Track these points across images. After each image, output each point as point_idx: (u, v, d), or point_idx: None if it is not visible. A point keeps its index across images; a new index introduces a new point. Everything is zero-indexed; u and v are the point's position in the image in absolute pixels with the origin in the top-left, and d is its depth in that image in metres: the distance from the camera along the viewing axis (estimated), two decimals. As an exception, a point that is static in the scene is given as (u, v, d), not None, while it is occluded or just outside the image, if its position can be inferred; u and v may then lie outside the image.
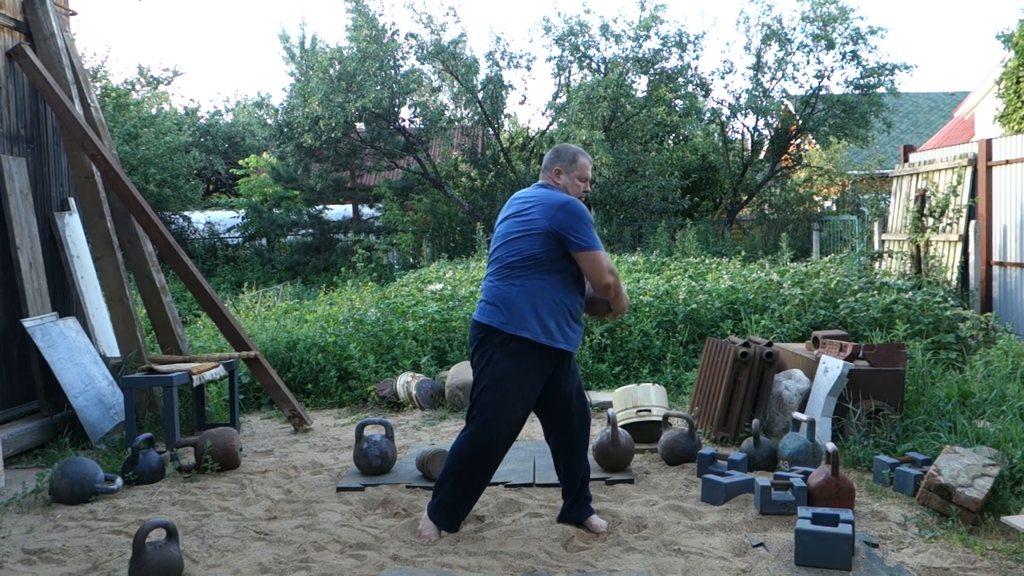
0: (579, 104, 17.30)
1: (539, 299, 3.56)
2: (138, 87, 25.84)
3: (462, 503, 3.77)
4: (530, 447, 5.27)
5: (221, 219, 22.78)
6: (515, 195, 3.84)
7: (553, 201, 3.59)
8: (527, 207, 3.65)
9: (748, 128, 19.44)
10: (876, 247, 10.95)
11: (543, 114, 19.91)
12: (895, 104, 20.20)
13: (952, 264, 8.95)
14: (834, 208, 19.03)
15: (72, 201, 6.48)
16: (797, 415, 4.80)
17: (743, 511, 3.99)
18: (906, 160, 10.57)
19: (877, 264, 10.29)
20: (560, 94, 19.14)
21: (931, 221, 9.15)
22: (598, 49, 18.72)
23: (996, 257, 8.58)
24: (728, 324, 7.45)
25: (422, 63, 19.26)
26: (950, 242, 9.02)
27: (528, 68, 19.31)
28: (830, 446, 3.91)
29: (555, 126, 19.24)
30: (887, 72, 17.90)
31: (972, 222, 8.77)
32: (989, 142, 8.75)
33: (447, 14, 19.84)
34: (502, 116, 20.05)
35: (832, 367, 4.97)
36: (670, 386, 6.90)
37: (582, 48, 18.61)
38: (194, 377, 5.54)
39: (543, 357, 3.60)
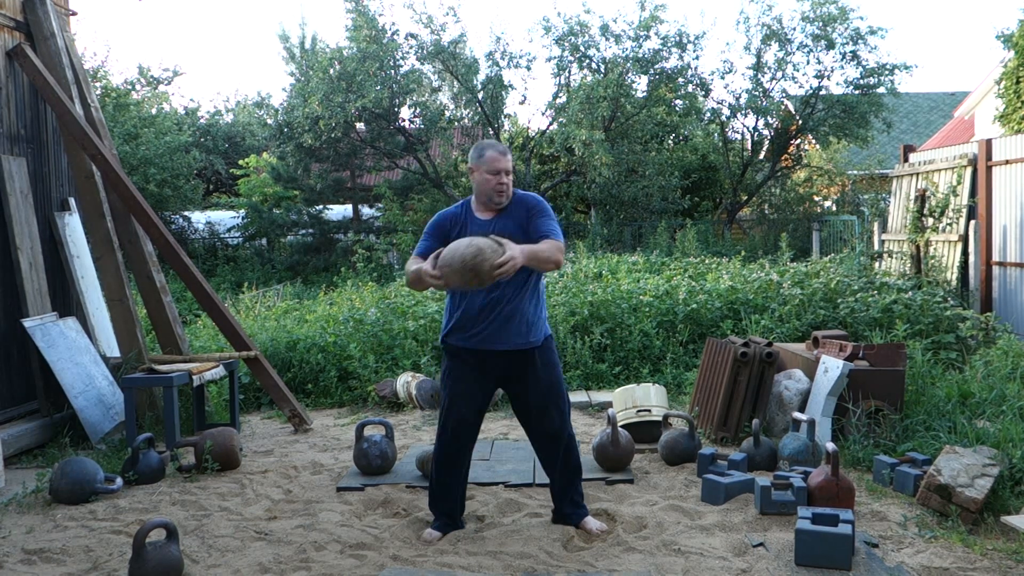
0: (579, 104, 17.30)
1: (448, 302, 3.82)
2: (138, 87, 25.83)
3: (441, 500, 3.85)
4: (530, 447, 5.26)
5: (221, 219, 22.78)
6: None
7: None
8: None
9: (748, 128, 19.44)
10: (876, 247, 10.95)
11: (543, 114, 19.90)
12: (895, 104, 20.18)
13: (952, 264, 8.95)
14: (834, 208, 19.02)
15: (72, 201, 6.48)
16: (797, 415, 4.81)
17: (743, 511, 3.99)
18: (906, 160, 10.57)
19: (877, 264, 10.29)
20: (560, 94, 19.13)
21: (931, 221, 9.15)
22: (598, 49, 18.72)
23: (996, 257, 8.58)
24: (728, 324, 7.45)
25: (422, 63, 19.26)
26: (950, 242, 9.02)
27: (528, 68, 19.31)
28: (830, 446, 3.91)
29: (555, 126, 19.23)
30: (887, 72, 17.90)
31: (972, 222, 8.77)
32: (989, 142, 8.75)
33: (447, 14, 19.82)
34: (502, 116, 20.03)
35: (832, 367, 4.97)
36: (670, 386, 6.90)
37: (582, 48, 18.60)
38: (194, 377, 5.54)
39: (465, 354, 3.74)
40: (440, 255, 3.40)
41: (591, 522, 3.85)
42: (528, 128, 21.45)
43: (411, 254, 3.79)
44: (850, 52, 17.90)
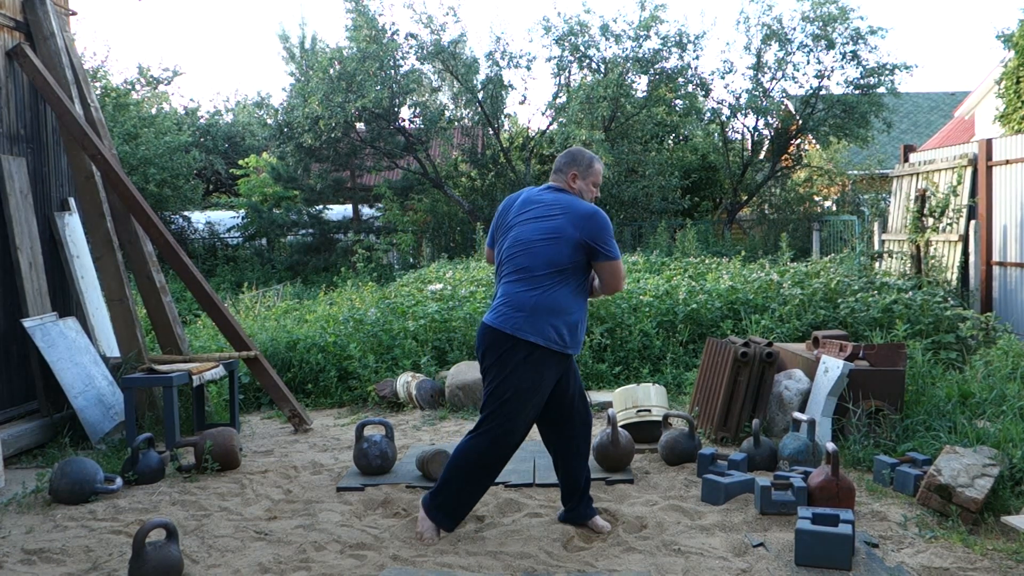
0: (579, 104, 17.30)
1: (559, 308, 3.57)
2: (138, 87, 25.83)
3: (467, 505, 3.80)
4: (530, 447, 5.26)
5: (221, 219, 22.79)
6: (527, 197, 3.76)
7: (582, 210, 3.58)
8: (552, 213, 3.60)
9: (748, 128, 19.44)
10: (876, 247, 10.95)
11: (543, 114, 19.91)
12: (895, 104, 20.18)
13: (952, 264, 8.95)
14: (834, 208, 19.02)
15: (72, 201, 6.48)
16: (797, 415, 4.80)
17: (743, 511, 3.99)
18: (906, 160, 10.57)
19: (877, 264, 10.29)
20: (560, 94, 19.13)
21: (931, 221, 9.15)
22: (598, 49, 18.72)
23: (996, 257, 8.58)
24: (728, 324, 7.45)
25: (422, 63, 19.26)
26: (950, 242, 9.02)
27: (528, 68, 19.31)
28: (830, 446, 3.91)
29: (555, 126, 19.23)
30: (887, 72, 17.90)
31: (972, 222, 8.77)
32: (989, 142, 8.75)
33: (447, 14, 19.84)
34: (502, 116, 20.04)
35: (832, 367, 4.97)
36: (670, 386, 6.90)
37: (582, 48, 18.60)
38: (194, 377, 5.54)
39: (558, 364, 3.66)
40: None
41: (600, 521, 3.87)
42: (528, 128, 21.46)
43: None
44: (850, 52, 17.90)
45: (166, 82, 27.17)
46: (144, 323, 7.16)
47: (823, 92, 18.40)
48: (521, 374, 3.56)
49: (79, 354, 5.77)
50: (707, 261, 11.68)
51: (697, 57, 19.13)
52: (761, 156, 19.79)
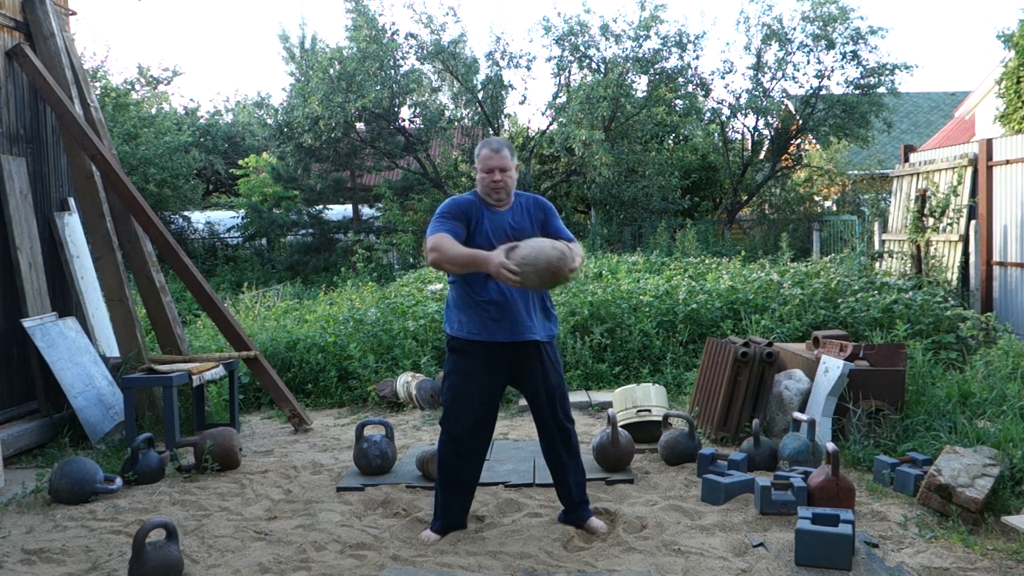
0: (579, 104, 17.30)
1: (458, 296, 3.76)
2: (138, 87, 25.84)
3: (448, 506, 3.82)
4: (530, 447, 5.27)
5: (221, 219, 22.79)
6: None
7: None
8: None
9: (748, 128, 19.44)
10: (876, 247, 10.95)
11: (543, 114, 19.90)
12: (895, 104, 20.18)
13: (952, 264, 8.95)
14: (834, 208, 19.02)
15: (72, 201, 6.48)
16: (797, 415, 4.80)
17: (743, 511, 3.99)
18: (906, 160, 10.56)
19: (877, 264, 10.29)
20: (560, 94, 19.13)
21: (931, 221, 9.15)
22: (598, 49, 18.72)
23: (996, 257, 8.58)
24: (728, 324, 7.45)
25: (422, 63, 19.26)
26: (950, 242, 9.02)
27: (528, 68, 19.32)
28: (830, 446, 3.91)
29: (555, 126, 19.23)
30: (887, 72, 17.91)
31: (972, 222, 8.77)
32: (989, 142, 8.75)
33: (447, 14, 19.83)
34: (502, 116, 20.04)
35: (832, 367, 4.97)
36: (670, 386, 6.89)
37: (582, 48, 18.61)
38: (194, 377, 5.54)
39: (482, 351, 3.69)
40: (517, 251, 3.37)
41: (595, 522, 3.87)
42: (528, 128, 21.45)
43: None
44: (850, 52, 17.91)
45: (166, 82, 27.20)
46: (144, 323, 7.16)
47: (823, 92, 18.41)
48: (447, 363, 3.84)
49: (79, 354, 5.77)
50: (707, 261, 11.69)
51: (697, 57, 19.15)
52: (761, 156, 19.79)
